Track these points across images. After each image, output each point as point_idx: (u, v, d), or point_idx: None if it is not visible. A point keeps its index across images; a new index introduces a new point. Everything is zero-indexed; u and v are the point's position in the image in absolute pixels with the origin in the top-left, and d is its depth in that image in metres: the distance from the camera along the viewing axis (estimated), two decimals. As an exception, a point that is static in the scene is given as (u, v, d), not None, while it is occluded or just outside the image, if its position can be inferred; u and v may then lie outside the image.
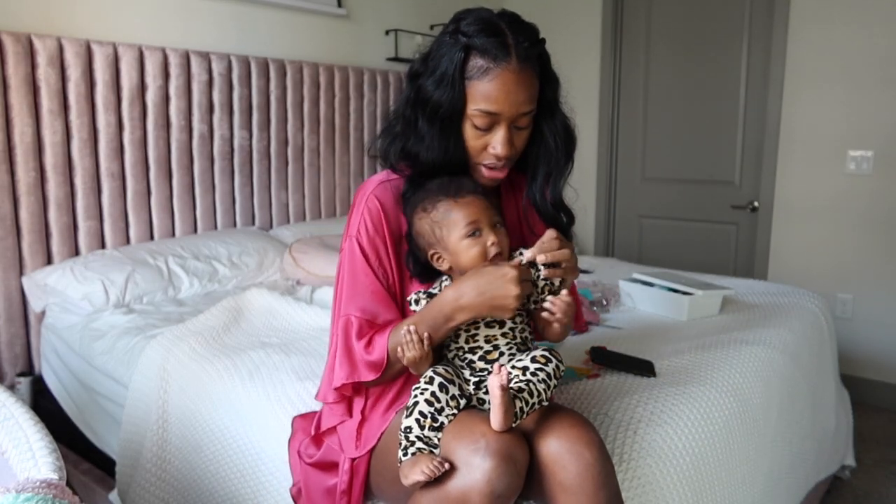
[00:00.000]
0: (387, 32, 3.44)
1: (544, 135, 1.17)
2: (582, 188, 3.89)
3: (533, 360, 1.07)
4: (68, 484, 1.00)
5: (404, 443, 1.03)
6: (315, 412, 1.38)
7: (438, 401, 1.02)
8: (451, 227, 1.08)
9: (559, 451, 1.02)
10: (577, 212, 1.26)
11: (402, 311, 1.17)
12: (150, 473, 1.71)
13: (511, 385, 1.02)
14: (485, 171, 1.14)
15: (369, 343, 1.13)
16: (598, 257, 3.42)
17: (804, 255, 3.21)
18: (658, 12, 3.56)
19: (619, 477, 1.19)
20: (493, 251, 1.08)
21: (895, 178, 2.95)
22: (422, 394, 1.03)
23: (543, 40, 1.12)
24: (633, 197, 3.81)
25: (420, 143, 1.12)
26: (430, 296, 1.13)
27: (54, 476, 0.98)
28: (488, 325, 1.11)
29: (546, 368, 1.05)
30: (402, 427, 1.03)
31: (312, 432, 1.28)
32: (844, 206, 3.08)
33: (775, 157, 3.23)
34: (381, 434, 1.17)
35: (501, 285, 1.02)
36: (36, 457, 1.02)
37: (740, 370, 1.62)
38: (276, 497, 1.39)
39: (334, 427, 1.23)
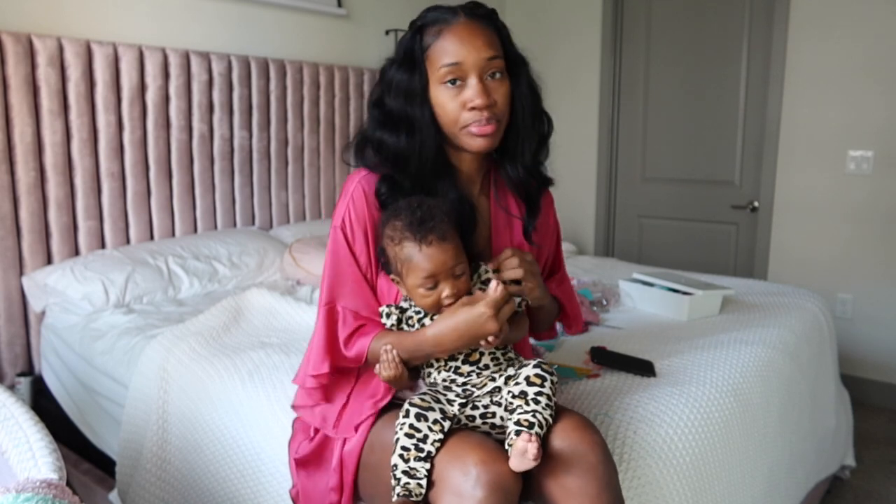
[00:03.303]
0: (387, 32, 3.44)
1: (515, 100, 1.16)
2: (582, 188, 3.90)
3: (528, 381, 1.06)
4: (68, 484, 1.00)
5: (393, 482, 1.02)
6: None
7: (418, 430, 1.01)
8: (410, 272, 1.08)
9: (562, 453, 1.02)
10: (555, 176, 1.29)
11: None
12: (150, 473, 1.71)
13: (520, 422, 1.02)
14: (474, 130, 1.11)
15: (349, 340, 1.16)
16: (598, 257, 3.42)
17: (804, 255, 3.21)
18: (658, 13, 3.56)
19: (620, 477, 1.19)
20: (446, 303, 1.09)
21: (895, 178, 2.96)
22: (401, 428, 1.03)
23: (495, 10, 1.16)
24: (633, 197, 3.81)
25: (394, 131, 1.12)
26: (402, 310, 1.14)
27: (54, 476, 0.98)
28: None
29: (544, 390, 1.05)
30: (391, 465, 1.02)
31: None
32: (844, 207, 3.08)
33: (775, 157, 3.23)
34: (365, 434, 1.16)
35: (480, 325, 1.04)
36: (36, 457, 1.02)
37: (740, 370, 1.62)
38: (276, 498, 1.39)
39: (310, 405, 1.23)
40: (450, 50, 1.09)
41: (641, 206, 3.78)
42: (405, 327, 1.15)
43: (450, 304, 1.09)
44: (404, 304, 1.16)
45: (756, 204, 3.35)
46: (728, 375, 1.57)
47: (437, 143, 1.14)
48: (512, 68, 1.16)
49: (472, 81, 1.09)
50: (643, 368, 1.58)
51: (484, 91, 1.09)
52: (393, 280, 1.15)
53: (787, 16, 3.12)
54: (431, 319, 1.12)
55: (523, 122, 1.17)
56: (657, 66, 3.61)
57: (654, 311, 2.17)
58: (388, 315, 1.14)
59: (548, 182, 1.29)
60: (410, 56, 1.12)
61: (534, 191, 1.25)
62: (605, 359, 1.63)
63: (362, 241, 1.16)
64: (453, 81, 1.10)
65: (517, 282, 1.13)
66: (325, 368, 1.15)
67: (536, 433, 1.00)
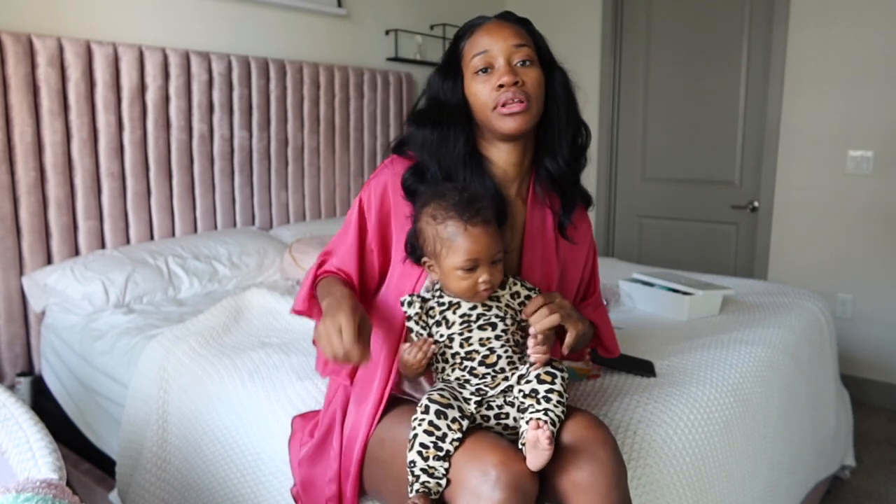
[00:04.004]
0: (387, 32, 3.44)
1: (549, 97, 1.19)
2: (582, 188, 3.89)
3: (539, 379, 1.06)
4: (68, 484, 1.00)
5: (411, 478, 1.01)
6: (315, 412, 1.38)
7: (438, 428, 1.01)
8: (451, 253, 1.07)
9: (573, 449, 1.03)
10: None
11: (364, 275, 1.25)
12: (150, 473, 1.71)
13: (531, 420, 1.02)
14: (504, 110, 1.13)
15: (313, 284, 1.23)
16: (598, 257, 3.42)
17: (804, 255, 3.21)
18: (658, 12, 3.56)
19: (620, 477, 1.20)
20: (482, 288, 1.08)
21: (895, 178, 2.96)
22: (419, 424, 1.02)
23: (529, 21, 1.22)
24: (633, 197, 3.81)
25: (425, 124, 1.18)
26: (423, 300, 1.14)
27: (54, 476, 0.98)
28: (481, 329, 1.11)
29: (555, 387, 1.06)
30: (408, 462, 1.02)
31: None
32: (844, 206, 3.08)
33: (775, 157, 3.23)
34: (371, 426, 1.17)
35: (329, 340, 1.03)
36: (36, 457, 1.02)
37: (740, 370, 1.62)
38: (276, 497, 1.39)
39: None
40: (479, 42, 1.16)
41: (641, 206, 3.78)
42: (427, 318, 1.13)
43: (486, 291, 1.09)
44: (426, 294, 1.15)
45: (756, 204, 3.35)
46: (728, 375, 1.57)
47: (466, 132, 1.18)
48: (546, 67, 1.19)
49: (500, 63, 1.14)
50: (643, 368, 1.58)
51: (511, 71, 1.13)
52: (425, 263, 1.13)
53: (787, 15, 3.12)
54: (454, 312, 1.11)
55: (558, 118, 1.20)
56: (657, 65, 3.61)
57: (654, 311, 2.16)
58: (410, 304, 1.13)
59: (588, 200, 1.31)
60: (448, 60, 1.21)
61: (570, 188, 1.25)
62: (605, 359, 1.62)
63: (375, 215, 1.21)
64: (485, 70, 1.15)
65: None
66: (302, 306, 1.24)
67: (549, 426, 1.00)
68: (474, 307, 1.12)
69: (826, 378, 2.13)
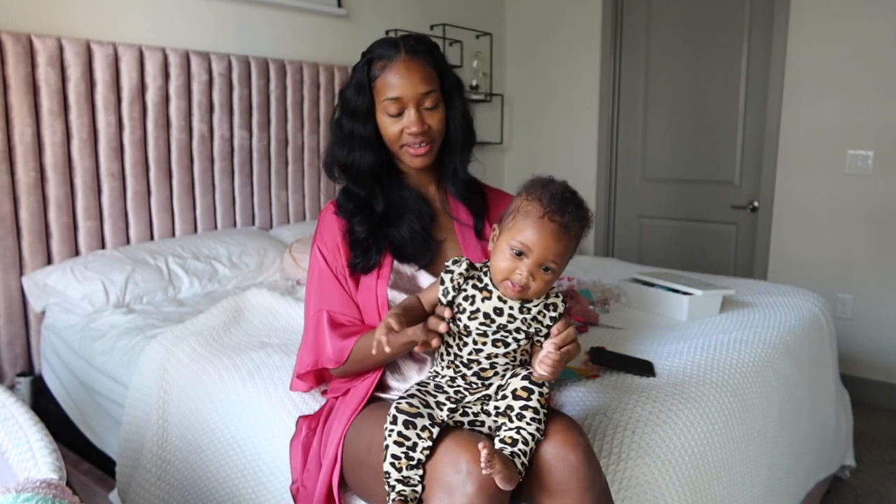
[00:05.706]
0: (387, 32, 3.43)
1: (449, 123, 1.33)
2: (582, 188, 3.88)
3: (515, 395, 1.06)
4: (68, 484, 1.00)
5: (387, 488, 1.02)
6: (319, 413, 1.39)
7: (408, 438, 1.02)
8: (514, 228, 1.06)
9: (545, 455, 1.03)
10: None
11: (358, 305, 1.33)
12: (150, 473, 1.71)
13: (503, 439, 1.03)
14: (410, 151, 1.29)
15: (342, 335, 1.27)
16: (598, 257, 3.42)
17: (804, 255, 3.22)
18: (658, 12, 3.56)
19: (618, 476, 1.20)
20: (515, 278, 1.05)
21: (895, 178, 2.96)
22: (389, 435, 1.03)
23: (434, 44, 1.33)
24: (633, 197, 3.81)
25: (344, 145, 1.32)
26: (472, 266, 1.12)
27: (54, 476, 0.98)
28: (495, 344, 1.08)
29: (531, 403, 1.05)
30: (383, 472, 1.04)
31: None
32: (844, 206, 3.08)
33: (775, 157, 3.23)
34: (345, 427, 1.23)
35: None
36: (36, 457, 1.03)
37: (740, 370, 1.62)
38: (276, 497, 1.39)
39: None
40: (392, 84, 1.26)
41: (641, 206, 3.78)
42: (461, 282, 1.10)
43: (517, 286, 1.04)
44: (477, 264, 1.13)
45: (756, 204, 3.35)
46: (728, 375, 1.57)
47: (378, 156, 1.32)
48: (448, 96, 1.32)
49: (410, 112, 1.26)
50: (643, 368, 1.58)
51: (419, 120, 1.26)
52: (493, 229, 1.14)
53: (787, 16, 3.12)
54: (483, 301, 1.07)
55: (455, 143, 1.35)
56: (657, 65, 3.61)
57: (654, 311, 2.16)
58: (457, 262, 1.11)
59: (479, 186, 1.44)
60: (360, 83, 1.29)
61: (476, 199, 1.40)
62: (605, 359, 1.63)
63: (336, 255, 1.32)
64: (395, 112, 1.27)
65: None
66: (310, 366, 1.31)
67: (511, 448, 1.01)
68: (500, 312, 1.08)
69: (826, 378, 2.13)
